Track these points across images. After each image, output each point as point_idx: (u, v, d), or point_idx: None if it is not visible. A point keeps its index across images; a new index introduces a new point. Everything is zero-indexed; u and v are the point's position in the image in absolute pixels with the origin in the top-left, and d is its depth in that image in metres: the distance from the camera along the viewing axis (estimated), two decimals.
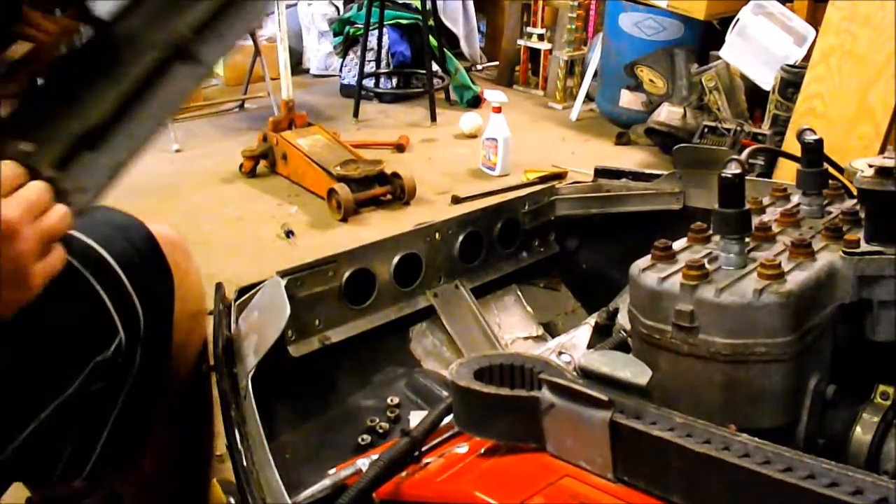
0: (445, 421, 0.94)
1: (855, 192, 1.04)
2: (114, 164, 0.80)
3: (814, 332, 0.91)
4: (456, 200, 3.36)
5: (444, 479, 0.84)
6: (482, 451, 0.87)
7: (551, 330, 1.80)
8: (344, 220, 3.27)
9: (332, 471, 1.02)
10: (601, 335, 1.27)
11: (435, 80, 4.77)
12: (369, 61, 4.98)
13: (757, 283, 0.88)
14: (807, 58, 3.28)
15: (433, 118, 4.67)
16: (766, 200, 1.18)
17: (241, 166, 3.79)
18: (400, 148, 4.18)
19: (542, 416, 0.79)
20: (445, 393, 1.30)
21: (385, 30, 4.98)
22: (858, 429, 0.91)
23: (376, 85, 5.12)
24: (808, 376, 0.92)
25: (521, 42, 5.41)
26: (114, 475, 1.15)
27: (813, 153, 1.13)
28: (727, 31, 3.72)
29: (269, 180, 3.77)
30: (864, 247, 0.95)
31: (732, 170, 0.93)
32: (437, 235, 1.64)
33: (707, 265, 0.91)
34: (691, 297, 0.89)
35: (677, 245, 1.00)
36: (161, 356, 1.07)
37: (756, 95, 3.71)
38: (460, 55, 5.69)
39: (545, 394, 0.78)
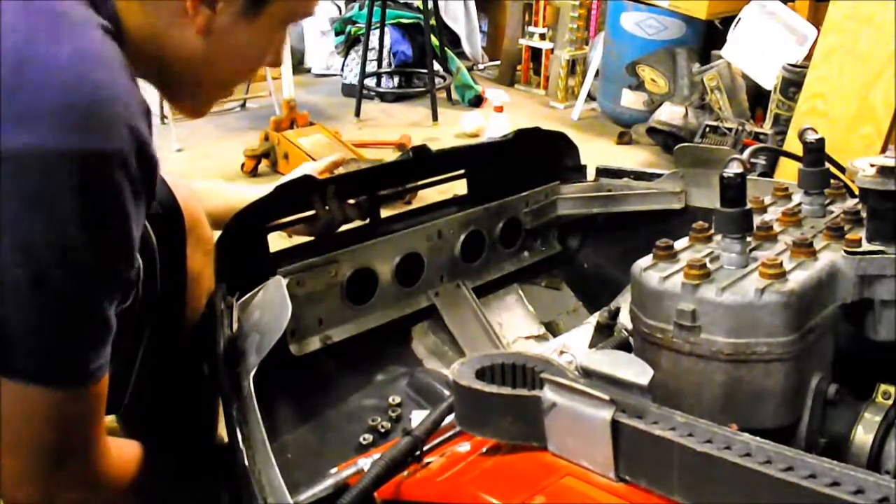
0: (447, 420, 0.94)
1: (856, 192, 1.04)
2: None
3: (815, 332, 0.92)
4: None
5: (445, 478, 0.84)
6: (484, 450, 0.87)
7: (553, 329, 1.80)
8: None
9: (333, 470, 1.02)
10: (603, 334, 1.27)
11: (436, 80, 4.77)
12: (371, 61, 4.98)
13: (758, 283, 0.88)
14: (808, 57, 3.27)
15: (435, 118, 4.66)
16: (767, 200, 1.18)
17: (242, 165, 3.79)
18: (402, 147, 4.17)
19: (543, 416, 0.79)
20: (447, 392, 1.30)
21: (387, 29, 4.98)
22: (860, 428, 0.91)
23: (378, 84, 5.12)
24: (810, 376, 0.93)
25: (522, 41, 5.41)
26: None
27: (815, 152, 1.13)
28: (729, 31, 3.72)
29: (270, 179, 3.75)
30: (865, 246, 0.96)
31: (734, 169, 0.93)
32: (438, 235, 1.64)
33: (709, 264, 0.91)
34: (693, 297, 0.89)
35: (679, 244, 1.00)
36: (178, 282, 1.21)
37: (758, 95, 3.71)
38: (462, 54, 5.69)
39: (547, 393, 0.78)
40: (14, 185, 0.74)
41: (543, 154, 1.81)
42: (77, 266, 0.78)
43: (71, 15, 0.82)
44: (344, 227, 1.54)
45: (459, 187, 1.79)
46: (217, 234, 1.33)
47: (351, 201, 1.55)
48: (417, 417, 1.31)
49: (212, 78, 1.02)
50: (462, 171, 1.73)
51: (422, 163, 1.60)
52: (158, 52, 0.94)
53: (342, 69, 5.38)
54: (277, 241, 1.50)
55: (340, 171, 1.64)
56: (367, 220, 1.58)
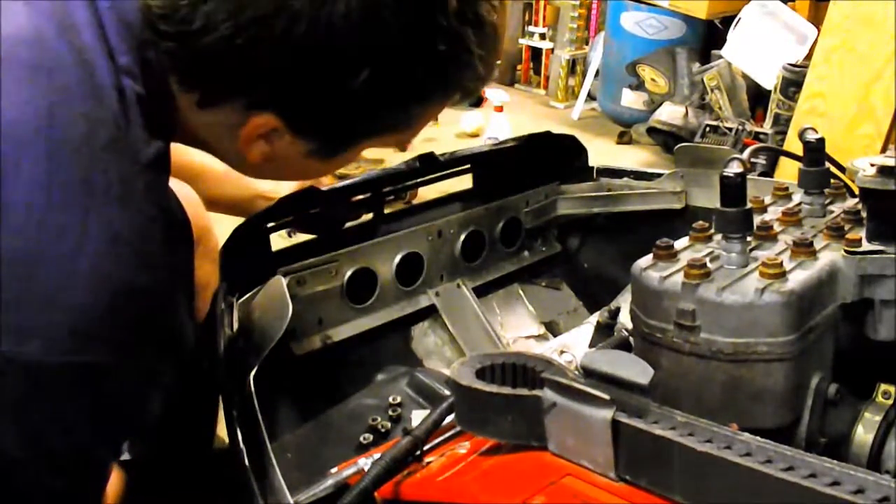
0: (447, 420, 0.94)
1: (857, 192, 1.04)
2: None
3: (815, 332, 0.92)
4: None
5: (445, 478, 0.84)
6: (484, 450, 0.87)
7: (553, 329, 1.80)
8: None
9: (333, 470, 1.02)
10: (603, 334, 1.27)
11: None
12: None
13: (758, 283, 0.88)
14: (808, 57, 3.27)
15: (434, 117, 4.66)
16: (767, 199, 1.18)
17: None
18: (401, 147, 4.17)
19: (543, 416, 0.79)
20: (447, 392, 1.30)
21: None
22: (860, 428, 0.91)
23: None
24: (810, 375, 0.93)
25: (522, 41, 5.41)
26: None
27: (815, 152, 1.13)
28: (729, 31, 3.72)
29: None
30: (865, 246, 0.95)
31: (734, 169, 0.93)
32: (438, 234, 1.64)
33: (709, 264, 0.91)
34: (693, 296, 0.89)
35: (679, 244, 1.00)
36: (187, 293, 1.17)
37: (758, 95, 3.71)
38: None
39: (547, 393, 0.78)
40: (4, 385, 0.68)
41: (552, 157, 1.81)
42: (79, 448, 0.74)
43: (100, 180, 0.70)
44: (346, 225, 1.54)
45: (460, 187, 1.79)
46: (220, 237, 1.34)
47: (358, 197, 1.55)
48: (417, 417, 1.31)
49: (272, 179, 1.06)
50: (468, 167, 1.73)
51: (428, 171, 1.59)
52: (215, 153, 0.90)
53: None
54: (278, 242, 1.50)
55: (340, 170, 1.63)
56: (372, 215, 1.58)
